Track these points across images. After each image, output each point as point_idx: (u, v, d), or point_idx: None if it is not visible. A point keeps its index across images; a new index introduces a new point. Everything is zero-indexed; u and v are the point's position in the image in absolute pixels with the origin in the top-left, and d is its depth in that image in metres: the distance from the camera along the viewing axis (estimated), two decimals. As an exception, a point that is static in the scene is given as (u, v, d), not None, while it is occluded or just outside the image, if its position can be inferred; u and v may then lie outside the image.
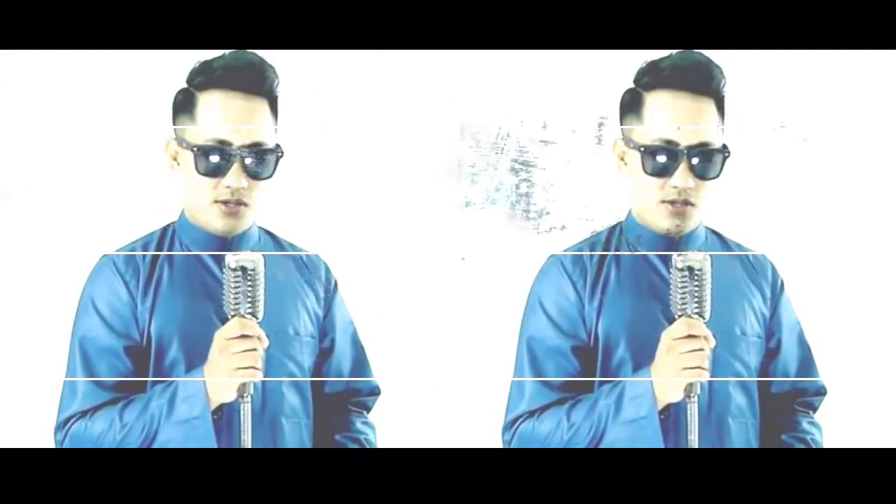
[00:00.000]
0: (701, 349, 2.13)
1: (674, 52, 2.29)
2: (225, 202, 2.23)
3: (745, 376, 2.28)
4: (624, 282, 2.28)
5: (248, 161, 2.22)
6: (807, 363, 2.38)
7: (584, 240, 2.36)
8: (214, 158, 2.22)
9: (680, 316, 2.14)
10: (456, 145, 3.27)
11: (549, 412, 2.24)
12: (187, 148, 2.23)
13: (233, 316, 2.13)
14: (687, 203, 2.25)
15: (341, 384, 2.37)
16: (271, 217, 2.37)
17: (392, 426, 2.51)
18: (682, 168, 2.23)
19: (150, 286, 2.24)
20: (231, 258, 2.12)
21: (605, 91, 2.55)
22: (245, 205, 2.24)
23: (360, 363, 2.41)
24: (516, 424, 2.26)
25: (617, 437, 2.18)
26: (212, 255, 2.26)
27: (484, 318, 3.20)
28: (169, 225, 2.32)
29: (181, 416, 2.14)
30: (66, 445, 2.20)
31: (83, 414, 2.19)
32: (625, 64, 2.33)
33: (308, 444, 2.29)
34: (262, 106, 2.25)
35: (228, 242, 2.27)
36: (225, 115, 2.22)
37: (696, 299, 2.13)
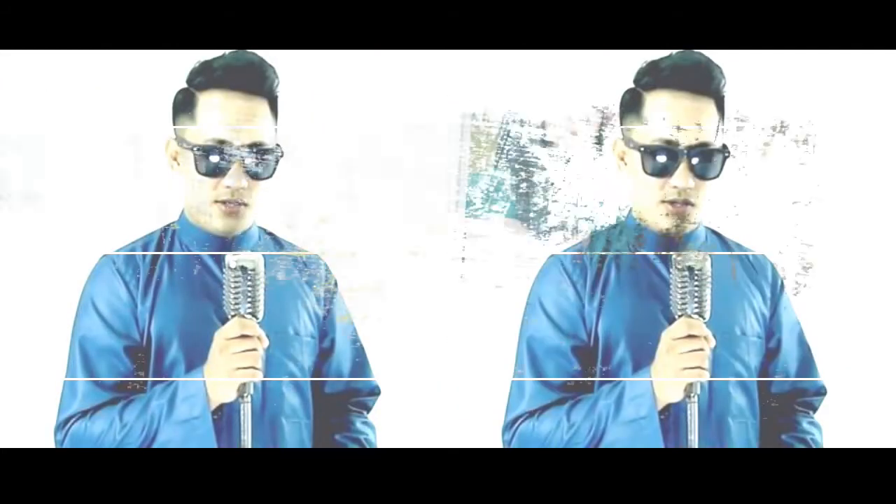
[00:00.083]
0: (701, 349, 2.13)
1: (674, 52, 2.29)
2: (225, 202, 2.23)
3: (745, 376, 2.28)
4: (624, 282, 2.28)
5: (248, 161, 2.22)
6: (807, 363, 2.38)
7: (584, 240, 2.36)
8: (214, 158, 2.22)
9: (680, 316, 2.14)
10: (456, 145, 3.27)
11: (549, 412, 2.24)
12: (187, 148, 2.23)
13: (233, 316, 2.13)
14: (687, 203, 2.25)
15: (341, 384, 2.37)
16: (271, 217, 2.36)
17: (392, 426, 2.51)
18: (682, 168, 2.23)
19: (150, 286, 2.24)
20: (231, 258, 2.12)
21: (605, 91, 2.55)
22: (245, 205, 2.24)
23: (360, 363, 2.41)
24: (516, 424, 2.26)
25: (617, 437, 2.18)
26: (212, 255, 2.26)
27: (484, 318, 3.20)
28: (169, 225, 2.32)
29: (181, 416, 2.14)
30: (66, 445, 2.20)
31: (83, 414, 2.19)
32: (625, 64, 2.33)
33: (308, 444, 2.29)
34: (262, 106, 2.25)
35: (228, 242, 2.26)
36: (225, 115, 2.22)
37: (696, 299, 2.13)
